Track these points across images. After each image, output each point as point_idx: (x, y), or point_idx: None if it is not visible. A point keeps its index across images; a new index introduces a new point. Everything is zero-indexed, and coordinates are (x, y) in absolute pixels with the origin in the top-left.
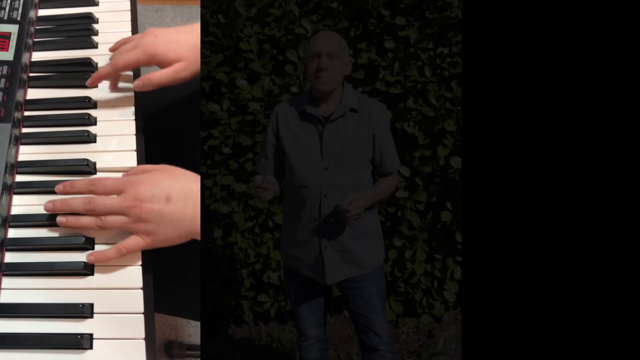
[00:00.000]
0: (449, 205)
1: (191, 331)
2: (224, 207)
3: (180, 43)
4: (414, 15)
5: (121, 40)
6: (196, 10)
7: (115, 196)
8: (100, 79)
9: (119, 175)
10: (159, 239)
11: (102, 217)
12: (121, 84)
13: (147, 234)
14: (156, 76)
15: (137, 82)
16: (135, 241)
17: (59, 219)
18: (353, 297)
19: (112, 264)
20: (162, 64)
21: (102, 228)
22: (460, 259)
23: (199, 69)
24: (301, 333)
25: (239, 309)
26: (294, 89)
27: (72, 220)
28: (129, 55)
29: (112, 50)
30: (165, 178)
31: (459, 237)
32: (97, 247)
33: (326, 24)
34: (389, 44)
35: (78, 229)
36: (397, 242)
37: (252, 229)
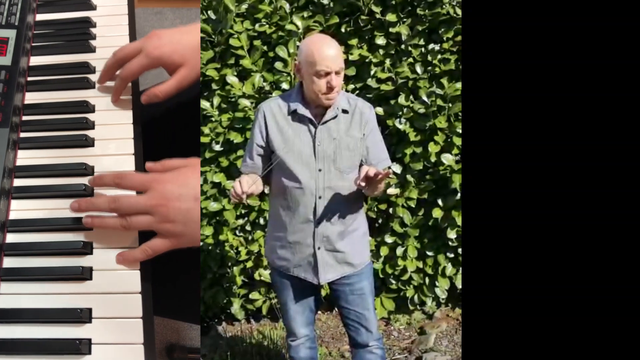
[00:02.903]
0: (440, 202)
1: (192, 334)
2: (214, 205)
3: (184, 44)
4: (405, 12)
5: (126, 49)
6: (195, 12)
7: (141, 194)
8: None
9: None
10: (184, 240)
11: (128, 218)
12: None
13: (173, 234)
14: (162, 90)
15: (143, 96)
16: (161, 242)
17: (85, 219)
18: (344, 293)
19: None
20: (167, 66)
21: (127, 229)
22: (452, 255)
23: (199, 71)
24: (291, 332)
25: (230, 306)
26: (285, 86)
27: (97, 221)
28: (136, 64)
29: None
30: (193, 177)
31: (450, 234)
32: (96, 251)
33: (317, 21)
34: (380, 41)
35: (103, 229)
36: (389, 239)
37: (243, 227)
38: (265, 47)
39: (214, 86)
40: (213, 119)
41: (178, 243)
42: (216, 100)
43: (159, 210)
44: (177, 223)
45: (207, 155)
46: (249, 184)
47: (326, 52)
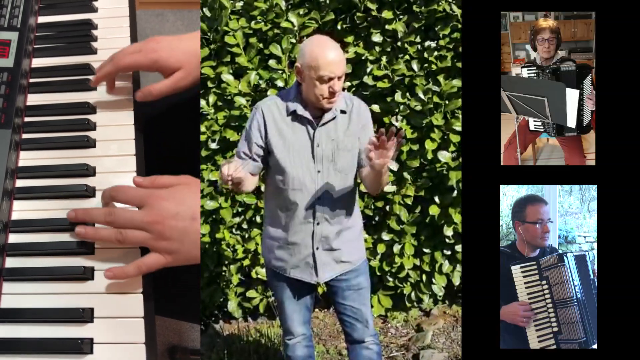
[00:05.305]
0: (437, 199)
1: (194, 336)
2: (211, 203)
3: (182, 49)
4: (401, 9)
5: (126, 50)
6: (196, 14)
7: (137, 209)
8: (103, 78)
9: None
10: (180, 258)
11: (122, 231)
12: (119, 87)
13: (169, 252)
14: (156, 88)
15: (138, 93)
16: (155, 258)
17: (78, 229)
18: (341, 289)
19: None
20: (163, 70)
21: (121, 242)
22: (448, 252)
23: (199, 76)
24: (288, 331)
25: (227, 304)
26: (280, 83)
27: (91, 231)
28: (131, 57)
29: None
30: (190, 195)
31: (447, 231)
32: (98, 251)
33: (313, 18)
34: (376, 38)
35: (97, 241)
36: (386, 237)
37: (239, 225)
38: (260, 45)
39: (209, 84)
40: (209, 117)
41: (174, 260)
42: (212, 99)
43: (155, 228)
44: (173, 241)
45: (204, 153)
46: (235, 167)
47: (330, 57)
